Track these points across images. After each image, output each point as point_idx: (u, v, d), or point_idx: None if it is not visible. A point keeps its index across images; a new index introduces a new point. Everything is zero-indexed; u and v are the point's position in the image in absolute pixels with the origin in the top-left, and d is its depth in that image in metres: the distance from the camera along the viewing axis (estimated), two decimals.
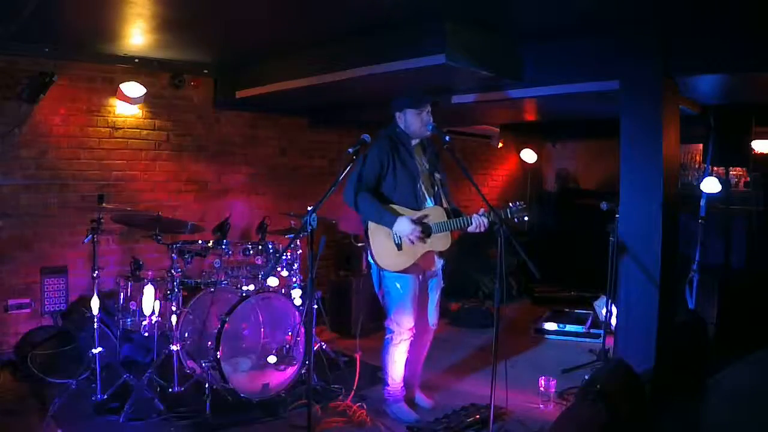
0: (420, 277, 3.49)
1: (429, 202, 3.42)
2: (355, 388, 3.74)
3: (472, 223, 3.25)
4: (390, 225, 3.30)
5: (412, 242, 3.30)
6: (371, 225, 3.41)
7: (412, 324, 3.49)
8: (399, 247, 3.35)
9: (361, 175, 3.35)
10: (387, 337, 3.56)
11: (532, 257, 2.86)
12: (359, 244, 3.61)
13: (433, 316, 3.66)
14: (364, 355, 3.92)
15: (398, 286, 3.42)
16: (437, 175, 3.49)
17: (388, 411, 3.60)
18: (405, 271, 3.39)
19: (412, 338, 3.53)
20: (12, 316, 4.38)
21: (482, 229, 3.25)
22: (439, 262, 3.58)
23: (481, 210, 3.26)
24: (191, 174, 5.34)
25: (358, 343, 3.93)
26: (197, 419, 3.41)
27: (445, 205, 3.46)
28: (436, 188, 3.47)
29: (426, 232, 3.32)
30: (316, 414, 3.45)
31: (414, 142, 3.50)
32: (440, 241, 3.37)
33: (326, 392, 3.86)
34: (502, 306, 2.91)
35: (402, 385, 3.63)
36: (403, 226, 3.26)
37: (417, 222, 3.29)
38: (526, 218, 3.18)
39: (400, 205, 3.38)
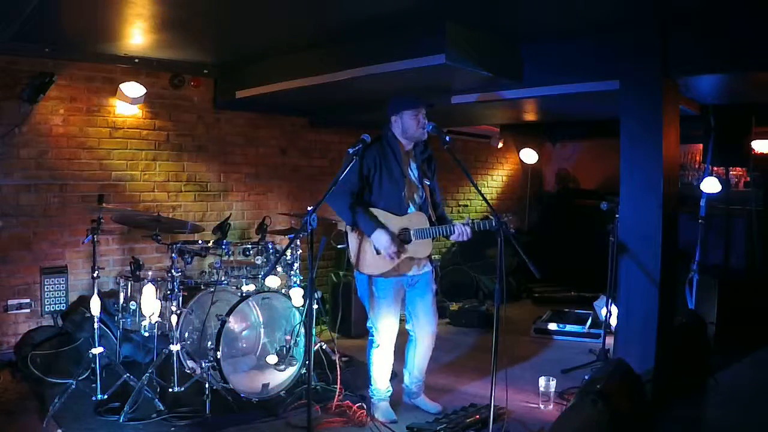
0: (402, 281, 3.46)
1: (412, 209, 3.40)
2: (338, 394, 3.69)
3: (454, 232, 3.24)
4: (368, 234, 3.29)
5: (390, 257, 3.28)
6: (351, 228, 3.43)
7: (391, 330, 3.47)
8: (377, 251, 3.33)
9: (348, 180, 3.29)
10: (369, 339, 3.57)
11: (532, 257, 2.86)
12: (339, 246, 3.58)
13: (429, 321, 3.60)
14: (363, 355, 3.91)
15: (374, 290, 3.42)
16: (426, 182, 3.47)
17: (371, 409, 3.59)
18: (384, 275, 3.37)
19: (393, 343, 3.52)
20: (12, 316, 4.38)
21: (464, 238, 3.25)
22: (426, 266, 3.53)
23: (467, 218, 3.28)
24: (191, 174, 5.34)
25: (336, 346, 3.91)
26: (197, 419, 3.41)
27: (430, 213, 3.45)
28: (423, 196, 3.45)
29: (405, 240, 3.32)
30: (316, 414, 3.45)
31: (407, 147, 3.46)
32: (421, 248, 3.37)
33: (326, 392, 3.86)
34: (502, 306, 2.91)
35: (386, 385, 3.61)
36: (381, 240, 3.25)
37: (396, 237, 3.28)
38: (512, 230, 3.06)
39: (384, 210, 3.36)
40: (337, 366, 3.71)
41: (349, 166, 3.19)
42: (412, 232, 3.34)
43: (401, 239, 3.33)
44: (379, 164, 3.36)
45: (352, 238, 3.42)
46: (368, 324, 3.56)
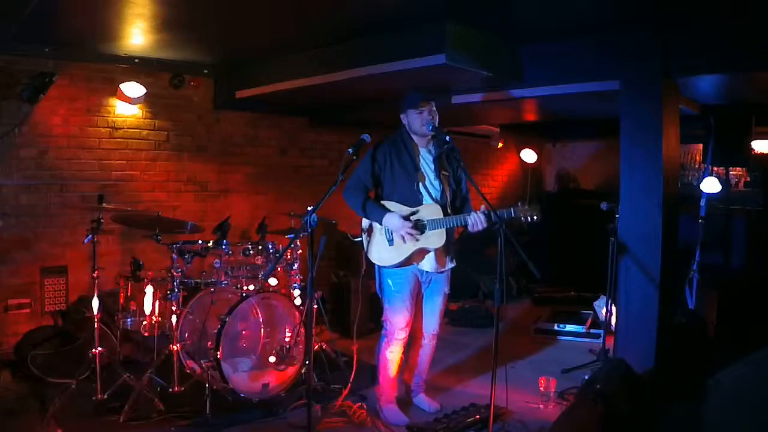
0: (417, 275, 3.45)
1: (427, 200, 3.38)
2: (347, 391, 3.73)
3: (467, 222, 3.20)
4: (379, 220, 3.33)
5: (404, 239, 3.29)
6: (366, 221, 3.48)
7: (405, 324, 3.45)
8: (390, 242, 3.37)
9: (358, 175, 3.43)
10: (382, 334, 3.56)
11: (532, 257, 2.86)
12: (356, 240, 3.60)
13: (432, 322, 3.59)
14: (363, 355, 3.91)
15: (390, 282, 3.43)
16: (445, 173, 3.45)
17: (379, 413, 3.58)
18: (399, 266, 3.38)
19: (406, 340, 3.50)
20: (12, 316, 4.38)
21: (480, 227, 3.17)
22: (448, 264, 3.50)
23: (482, 207, 3.19)
24: (191, 174, 5.34)
25: (355, 346, 3.91)
26: (197, 419, 3.41)
27: (447, 205, 3.41)
28: (440, 188, 3.42)
29: (419, 228, 3.31)
30: (316, 414, 3.45)
31: (421, 142, 3.47)
32: (434, 239, 3.33)
33: (326, 392, 3.86)
34: (502, 306, 2.90)
35: (395, 386, 3.60)
36: (393, 221, 3.28)
37: (407, 218, 3.29)
38: (535, 217, 3.07)
39: (398, 202, 3.38)
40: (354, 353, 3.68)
41: (347, 164, 3.16)
42: (425, 222, 3.33)
43: (416, 228, 3.31)
44: (391, 159, 3.41)
45: (370, 232, 3.47)
46: (383, 319, 3.52)
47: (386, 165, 3.41)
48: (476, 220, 3.17)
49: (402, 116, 3.48)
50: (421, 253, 3.39)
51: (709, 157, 5.29)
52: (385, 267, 3.43)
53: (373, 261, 3.46)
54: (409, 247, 3.33)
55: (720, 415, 3.64)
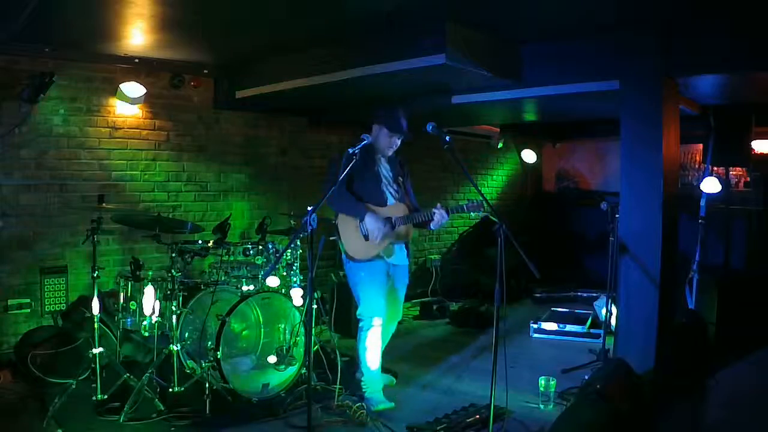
0: (386, 268, 3.73)
1: (391, 201, 3.74)
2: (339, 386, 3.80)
3: (433, 218, 3.58)
4: (362, 218, 3.60)
5: (377, 239, 3.58)
6: (340, 218, 3.70)
7: (382, 310, 3.70)
8: (366, 237, 3.63)
9: (342, 180, 3.49)
10: (360, 325, 3.74)
11: (532, 257, 2.86)
12: (332, 238, 3.82)
13: (396, 310, 3.93)
14: None
15: (362, 274, 3.68)
16: (400, 179, 3.83)
17: (368, 403, 3.63)
18: (373, 258, 3.66)
19: (381, 325, 3.73)
20: (12, 316, 4.38)
21: (444, 220, 3.58)
22: (406, 258, 3.84)
23: (438, 204, 3.59)
24: (191, 174, 5.34)
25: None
26: (197, 419, 3.41)
27: (407, 204, 3.79)
28: (399, 190, 3.80)
29: (392, 225, 3.66)
30: (316, 414, 3.45)
31: (382, 152, 3.76)
32: (402, 234, 3.73)
33: (326, 392, 3.86)
34: (502, 306, 2.91)
35: (378, 369, 3.77)
36: (373, 222, 3.58)
37: (384, 221, 3.60)
38: (480, 213, 3.67)
39: (367, 203, 3.67)
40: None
41: (350, 165, 3.34)
42: (394, 219, 3.67)
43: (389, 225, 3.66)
44: (360, 163, 3.55)
45: (344, 229, 3.68)
46: (359, 311, 3.73)
47: (358, 170, 3.58)
48: (442, 215, 3.57)
49: (376, 126, 3.68)
50: (390, 247, 3.72)
51: (709, 157, 5.29)
52: (357, 260, 3.67)
53: (351, 255, 3.67)
54: (383, 242, 3.63)
55: (720, 415, 3.65)
